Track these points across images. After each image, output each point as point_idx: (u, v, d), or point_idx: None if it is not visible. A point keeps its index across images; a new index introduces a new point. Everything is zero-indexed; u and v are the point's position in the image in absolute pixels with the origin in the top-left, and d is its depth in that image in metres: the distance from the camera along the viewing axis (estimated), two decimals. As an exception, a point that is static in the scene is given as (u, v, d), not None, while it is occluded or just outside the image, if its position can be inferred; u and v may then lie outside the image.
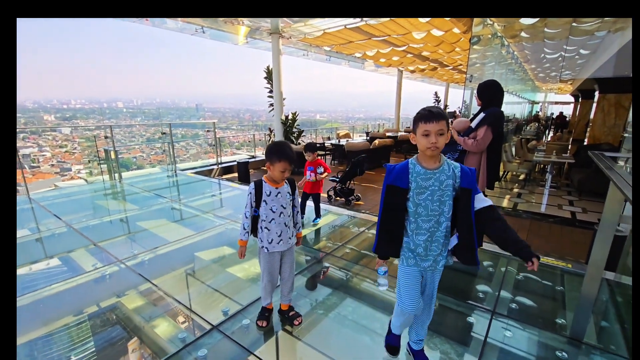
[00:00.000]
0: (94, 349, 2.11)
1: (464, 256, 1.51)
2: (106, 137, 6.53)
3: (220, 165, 8.41)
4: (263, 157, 9.97)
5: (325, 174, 4.06)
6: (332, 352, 2.05)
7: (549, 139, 13.43)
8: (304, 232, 4.05)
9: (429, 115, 1.39)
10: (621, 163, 4.80)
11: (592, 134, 9.03)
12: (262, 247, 2.07)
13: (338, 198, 6.11)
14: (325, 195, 6.29)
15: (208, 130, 8.56)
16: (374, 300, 2.62)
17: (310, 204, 4.25)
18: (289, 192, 2.08)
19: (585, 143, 10.33)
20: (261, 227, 2.05)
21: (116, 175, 6.67)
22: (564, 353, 1.98)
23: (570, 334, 2.08)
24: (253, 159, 9.49)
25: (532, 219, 5.34)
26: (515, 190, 7.35)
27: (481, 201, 1.47)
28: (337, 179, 5.97)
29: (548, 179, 7.93)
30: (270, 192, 2.00)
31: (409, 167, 1.48)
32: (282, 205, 2.03)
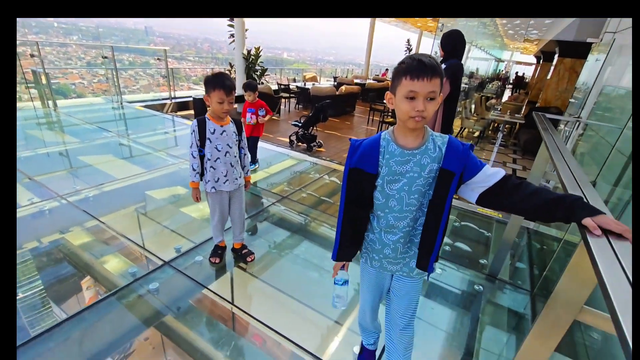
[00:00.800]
0: (42, 286, 2.04)
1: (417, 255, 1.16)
2: (32, 56, 5.58)
3: (173, 100, 7.75)
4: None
5: (268, 116, 3.89)
6: (283, 286, 2.20)
7: (506, 98, 14.03)
8: (262, 176, 4.03)
9: (418, 68, 0.93)
10: (562, 126, 5.22)
11: (544, 96, 9.55)
12: (208, 186, 2.05)
13: (300, 144, 6.05)
14: (287, 140, 6.18)
15: (159, 59, 7.67)
16: (329, 243, 2.78)
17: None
18: (235, 132, 2.01)
19: (537, 105, 10.97)
20: (206, 167, 2.00)
21: (50, 102, 5.88)
22: (480, 287, 2.32)
23: (489, 272, 2.41)
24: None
25: (478, 173, 5.79)
26: (468, 145, 7.80)
27: (488, 178, 1.02)
28: (300, 124, 5.84)
29: (498, 138, 8.47)
30: (214, 130, 1.92)
31: (381, 145, 1.07)
32: (227, 145, 1.96)
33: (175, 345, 1.75)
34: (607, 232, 0.82)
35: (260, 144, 5.22)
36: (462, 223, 3.26)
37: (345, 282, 1.32)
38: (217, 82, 1.79)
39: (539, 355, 1.00)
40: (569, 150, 3.97)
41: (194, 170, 2.00)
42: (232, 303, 2.02)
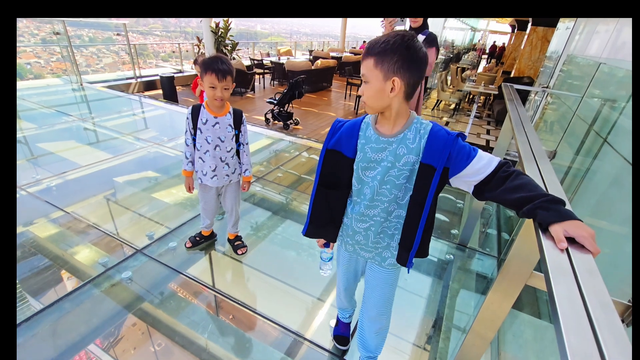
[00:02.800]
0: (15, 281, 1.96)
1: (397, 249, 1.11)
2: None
3: (139, 80, 7.31)
4: (192, 71, 8.89)
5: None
6: (264, 267, 2.22)
7: (480, 69, 14.16)
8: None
9: (370, 49, 0.88)
10: (532, 96, 5.35)
11: (518, 66, 9.69)
12: (196, 176, 1.97)
13: (275, 122, 5.92)
14: (263, 119, 6.03)
15: (118, 34, 7.13)
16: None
17: None
18: (230, 125, 1.83)
19: (511, 75, 11.13)
20: (196, 157, 1.90)
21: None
22: (451, 255, 2.42)
23: (459, 241, 2.52)
24: (180, 74, 8.41)
25: (453, 145, 5.91)
26: (445, 119, 7.89)
27: (479, 171, 0.90)
28: (275, 101, 5.69)
29: (473, 110, 8.61)
30: (206, 120, 1.79)
31: (360, 128, 1.01)
32: (219, 138, 1.82)
33: (156, 331, 1.75)
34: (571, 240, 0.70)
35: (235, 123, 5.09)
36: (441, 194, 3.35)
37: (330, 258, 1.51)
38: (210, 65, 1.64)
39: (498, 313, 1.06)
40: (535, 120, 4.10)
41: (186, 158, 1.90)
42: (212, 288, 2.02)
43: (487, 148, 5.95)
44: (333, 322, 1.78)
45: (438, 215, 2.96)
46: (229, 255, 2.31)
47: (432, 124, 0.96)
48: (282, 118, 5.75)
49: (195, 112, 1.79)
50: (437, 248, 2.53)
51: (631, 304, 0.74)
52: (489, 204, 3.20)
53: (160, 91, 6.84)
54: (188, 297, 1.97)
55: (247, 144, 1.96)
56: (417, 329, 1.88)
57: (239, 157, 1.97)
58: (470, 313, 2.01)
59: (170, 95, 6.51)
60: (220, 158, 1.87)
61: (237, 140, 1.91)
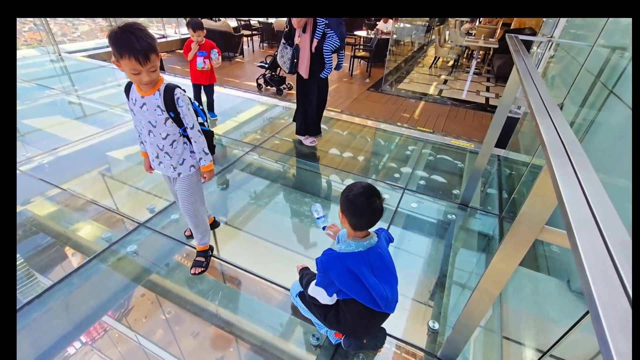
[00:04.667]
0: (21, 259, 1.96)
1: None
2: None
3: (123, 47, 6.89)
4: (176, 36, 8.38)
5: (219, 59, 3.49)
6: (266, 235, 2.23)
7: (480, 22, 13.48)
8: (231, 125, 3.82)
9: None
10: (534, 48, 5.13)
11: (518, 17, 9.21)
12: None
13: (268, 87, 5.70)
14: (255, 84, 5.79)
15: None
16: (309, 188, 2.77)
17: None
18: (159, 107, 1.43)
19: (511, 27, 10.63)
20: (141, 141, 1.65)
21: (-26, 59, 5.08)
22: (453, 215, 2.44)
23: (461, 201, 2.53)
24: (163, 39, 7.94)
25: (453, 105, 5.78)
26: (443, 77, 7.64)
27: None
28: (266, 65, 5.43)
29: (472, 65, 8.31)
30: (135, 101, 1.45)
31: None
32: (150, 122, 1.47)
33: (165, 300, 1.78)
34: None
35: (227, 90, 4.87)
36: (438, 156, 3.32)
37: (322, 217, 1.84)
38: (123, 45, 1.20)
39: (505, 270, 1.07)
40: (540, 72, 3.95)
41: (138, 138, 1.66)
42: (217, 257, 2.04)
43: (487, 105, 5.83)
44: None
45: (436, 177, 2.95)
46: (232, 225, 2.31)
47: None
48: (274, 83, 5.53)
49: (126, 91, 1.49)
50: (440, 209, 2.54)
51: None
52: (490, 164, 3.18)
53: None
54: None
55: (192, 127, 1.52)
56: (421, 286, 1.94)
57: (191, 144, 1.60)
58: (471, 270, 2.06)
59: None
60: (158, 146, 1.54)
61: (179, 125, 1.52)
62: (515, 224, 0.98)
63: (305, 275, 1.55)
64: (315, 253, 2.09)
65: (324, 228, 1.70)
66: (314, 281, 1.33)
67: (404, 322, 1.70)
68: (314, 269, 1.90)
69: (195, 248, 1.97)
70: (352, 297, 1.25)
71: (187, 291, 1.82)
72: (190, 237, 2.11)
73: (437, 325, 1.65)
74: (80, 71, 5.50)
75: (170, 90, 1.43)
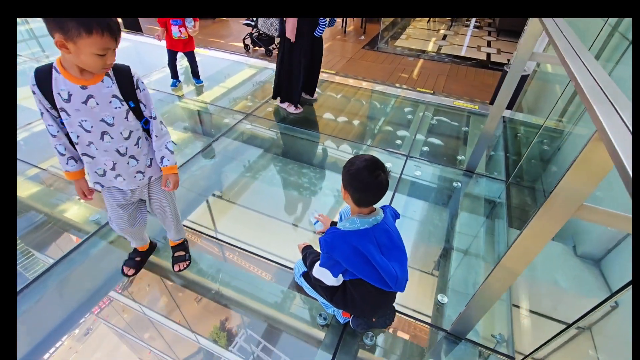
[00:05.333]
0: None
1: None
2: None
3: None
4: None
5: (197, 24, 3.10)
6: (263, 208, 2.13)
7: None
8: (220, 92, 3.55)
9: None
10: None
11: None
12: (90, 181, 1.28)
13: (256, 48, 5.29)
14: (242, 45, 5.37)
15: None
16: (305, 158, 2.63)
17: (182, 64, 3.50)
18: (117, 96, 1.09)
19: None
20: (79, 152, 1.19)
21: None
22: (458, 183, 2.35)
23: (467, 167, 2.42)
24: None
25: (452, 63, 5.48)
26: (442, 31, 7.20)
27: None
28: (253, 23, 4.99)
29: (472, 18, 7.82)
30: (69, 95, 1.03)
31: None
32: (104, 121, 1.10)
33: (167, 280, 1.72)
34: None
35: (212, 53, 4.50)
36: (440, 119, 3.15)
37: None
38: (89, 19, 0.90)
39: (532, 249, 1.00)
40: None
41: (61, 155, 1.19)
42: (214, 237, 1.94)
43: (489, 62, 5.55)
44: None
45: (438, 142, 2.82)
46: (227, 200, 2.20)
47: None
48: (262, 43, 5.13)
49: (43, 84, 1.03)
50: (444, 176, 2.45)
51: None
52: (497, 128, 3.05)
53: (119, 19, 5.90)
54: (192, 240, 1.91)
55: (155, 117, 1.22)
56: (426, 256, 1.90)
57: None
58: (478, 240, 2.01)
59: (132, 24, 5.64)
60: (118, 151, 1.17)
61: (139, 117, 1.18)
62: (551, 199, 0.87)
63: (308, 255, 1.47)
64: (310, 225, 2.01)
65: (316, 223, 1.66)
66: (318, 262, 1.24)
67: (411, 296, 1.67)
68: (316, 246, 1.83)
69: (189, 222, 1.86)
70: (360, 278, 1.17)
71: (188, 271, 1.74)
72: (135, 274, 1.70)
73: (445, 299, 1.61)
74: (48, 35, 5.00)
75: (125, 71, 1.10)
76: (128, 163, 1.22)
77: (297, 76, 2.90)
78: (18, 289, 1.61)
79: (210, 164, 2.51)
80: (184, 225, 1.93)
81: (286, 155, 2.65)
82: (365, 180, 1.06)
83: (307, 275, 1.48)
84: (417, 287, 1.72)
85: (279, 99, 3.19)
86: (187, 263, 1.73)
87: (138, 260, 1.70)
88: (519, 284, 1.85)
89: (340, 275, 1.22)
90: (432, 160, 2.59)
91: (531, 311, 1.79)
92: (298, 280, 1.59)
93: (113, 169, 1.21)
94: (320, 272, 1.24)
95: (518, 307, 1.72)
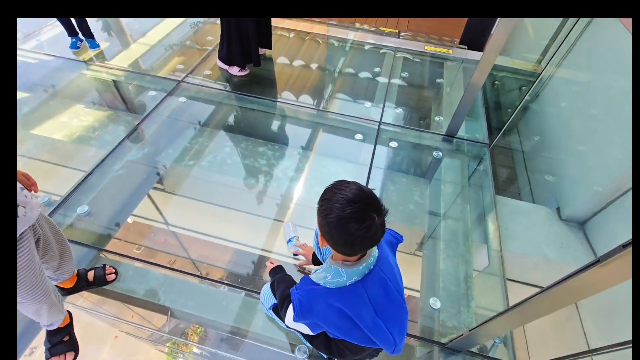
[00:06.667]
0: None
1: None
2: None
3: None
4: None
5: None
6: (209, 197, 1.86)
7: None
8: (138, 52, 2.77)
9: None
10: None
11: None
12: None
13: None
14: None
15: None
16: (257, 131, 2.17)
17: None
18: None
19: None
20: None
21: None
22: (439, 152, 2.08)
23: (447, 131, 2.13)
24: None
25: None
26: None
27: None
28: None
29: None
30: None
31: None
32: None
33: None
34: None
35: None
36: (410, 71, 2.72)
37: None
38: None
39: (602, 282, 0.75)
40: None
41: None
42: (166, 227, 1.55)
43: None
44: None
45: (413, 102, 2.47)
46: (171, 192, 1.82)
47: None
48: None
49: None
50: (421, 144, 2.15)
51: None
52: (463, 73, 2.72)
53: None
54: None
55: None
56: (410, 240, 1.70)
57: None
58: (466, 218, 1.81)
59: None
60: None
61: None
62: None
63: (278, 284, 1.15)
64: (279, 214, 1.71)
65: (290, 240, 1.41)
66: (291, 308, 0.94)
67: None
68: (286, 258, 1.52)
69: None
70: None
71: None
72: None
73: (438, 304, 1.42)
74: None
75: None
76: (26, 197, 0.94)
77: (250, 32, 2.27)
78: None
79: (142, 153, 1.98)
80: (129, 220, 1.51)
81: (237, 132, 2.18)
82: (354, 234, 0.72)
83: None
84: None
85: (218, 61, 2.56)
86: (115, 274, 1.41)
87: (66, 342, 1.22)
88: (510, 259, 1.73)
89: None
90: (407, 124, 2.26)
91: (525, 283, 1.73)
92: (267, 312, 1.30)
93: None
94: (295, 325, 0.94)
95: (513, 280, 1.63)
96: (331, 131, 2.25)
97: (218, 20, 2.38)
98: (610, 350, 0.95)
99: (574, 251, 1.78)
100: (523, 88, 2.61)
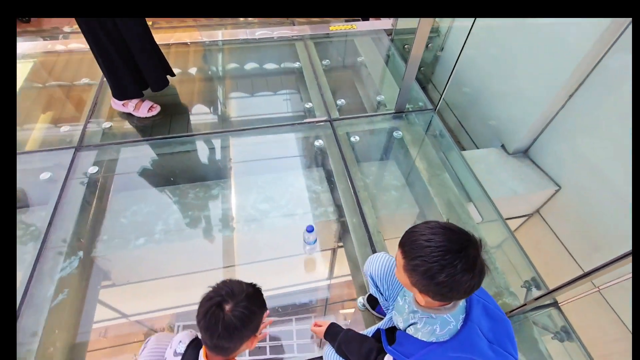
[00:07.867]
0: None
1: None
2: None
3: None
4: None
5: None
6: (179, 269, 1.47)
7: None
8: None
9: None
10: None
11: None
12: None
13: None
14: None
15: None
16: (194, 173, 1.86)
17: None
18: None
19: None
20: None
21: None
22: (398, 132, 2.10)
23: (396, 109, 2.16)
24: None
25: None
26: None
27: None
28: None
29: None
30: None
31: None
32: None
33: None
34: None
35: None
36: (330, 59, 2.61)
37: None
38: None
39: None
40: None
41: None
42: None
43: None
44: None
45: (348, 88, 2.43)
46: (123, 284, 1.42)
47: None
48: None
49: None
50: (381, 127, 2.16)
51: None
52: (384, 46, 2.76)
53: None
54: None
55: None
56: (409, 220, 1.73)
57: None
58: (440, 185, 1.89)
59: None
60: None
61: None
62: None
63: (347, 345, 1.02)
64: (251, 255, 1.56)
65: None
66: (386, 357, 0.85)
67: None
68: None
69: None
70: None
71: None
72: None
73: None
74: None
75: None
76: None
77: (132, 45, 1.76)
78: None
79: (76, 255, 1.50)
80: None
81: (171, 182, 1.84)
82: (467, 282, 0.65)
83: None
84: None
85: (113, 101, 2.04)
86: None
87: None
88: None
89: None
90: (355, 112, 2.23)
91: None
92: None
93: None
94: None
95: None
96: (281, 144, 2.08)
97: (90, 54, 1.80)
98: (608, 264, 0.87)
99: (534, 179, 2.04)
100: (429, 45, 2.80)
